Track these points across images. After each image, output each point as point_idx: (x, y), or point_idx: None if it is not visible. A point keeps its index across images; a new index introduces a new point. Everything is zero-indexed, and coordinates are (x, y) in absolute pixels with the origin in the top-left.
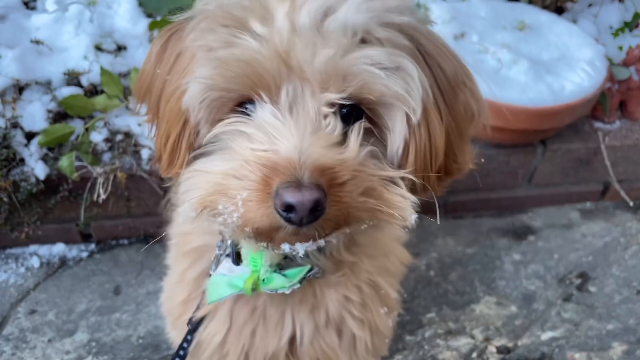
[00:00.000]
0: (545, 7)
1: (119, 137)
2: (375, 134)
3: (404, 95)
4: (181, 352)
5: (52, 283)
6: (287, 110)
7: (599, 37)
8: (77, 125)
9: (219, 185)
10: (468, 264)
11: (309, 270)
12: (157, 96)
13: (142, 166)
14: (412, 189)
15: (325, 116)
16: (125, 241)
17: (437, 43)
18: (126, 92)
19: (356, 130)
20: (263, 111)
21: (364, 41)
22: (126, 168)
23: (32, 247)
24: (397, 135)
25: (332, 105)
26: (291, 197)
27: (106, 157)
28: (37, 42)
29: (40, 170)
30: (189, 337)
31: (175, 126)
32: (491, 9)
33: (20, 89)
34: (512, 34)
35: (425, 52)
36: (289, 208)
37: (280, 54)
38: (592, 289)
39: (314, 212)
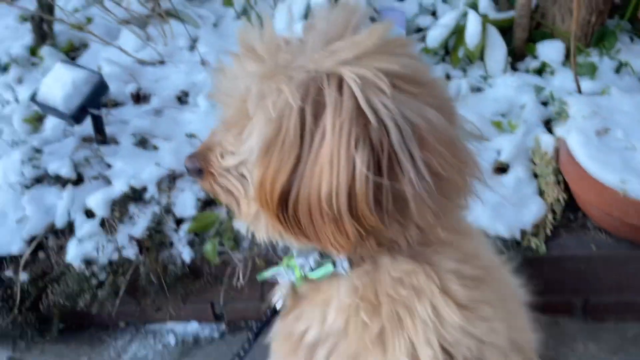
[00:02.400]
0: None
1: None
2: None
3: None
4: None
5: None
6: None
7: None
8: (221, 213)
9: None
10: None
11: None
12: None
13: (278, 252)
14: None
15: None
16: (254, 323)
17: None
18: None
19: None
20: None
21: None
22: (263, 254)
23: (170, 324)
24: None
25: None
26: None
27: (245, 243)
28: (191, 135)
29: (187, 254)
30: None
31: None
32: (635, 103)
33: (174, 178)
34: None
35: None
36: None
37: None
38: None
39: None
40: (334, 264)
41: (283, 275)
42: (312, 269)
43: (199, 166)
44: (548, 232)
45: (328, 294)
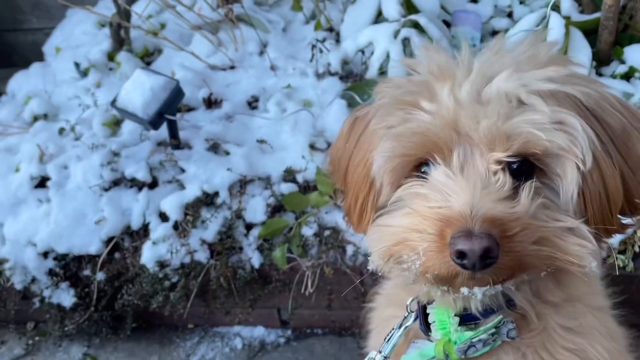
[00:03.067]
0: None
1: (327, 233)
2: (547, 185)
3: (570, 146)
4: None
5: None
6: (458, 170)
7: None
8: (290, 219)
9: (402, 238)
10: None
11: (502, 320)
12: (345, 166)
13: (346, 261)
14: (596, 235)
15: (495, 173)
16: (319, 331)
17: (600, 102)
18: (336, 190)
19: (527, 188)
20: (437, 172)
21: (522, 103)
22: (331, 262)
23: (236, 328)
24: (569, 184)
25: (500, 162)
26: (463, 244)
27: (313, 250)
28: (262, 141)
29: (256, 259)
30: None
31: (362, 190)
32: None
33: (245, 183)
34: None
35: (590, 109)
36: (461, 255)
37: (449, 123)
38: None
39: (484, 258)
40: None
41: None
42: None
43: (494, 234)
44: (637, 248)
45: None
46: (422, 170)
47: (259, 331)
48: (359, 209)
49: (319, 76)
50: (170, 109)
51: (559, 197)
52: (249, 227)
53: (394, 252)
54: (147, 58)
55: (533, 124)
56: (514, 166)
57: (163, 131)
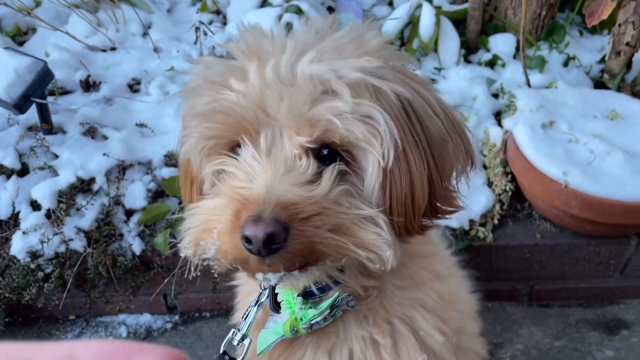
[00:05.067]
0: (634, 94)
1: None
2: (355, 172)
3: (370, 139)
4: None
5: None
6: (265, 152)
7: None
8: (173, 204)
9: (205, 222)
10: (557, 358)
11: (338, 297)
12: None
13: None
14: (398, 231)
15: (300, 157)
16: (207, 314)
17: (422, 104)
18: None
19: (329, 172)
20: (246, 153)
21: (332, 90)
22: None
23: (121, 317)
24: (370, 176)
25: (307, 148)
26: (249, 229)
27: None
28: (142, 125)
29: (137, 246)
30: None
31: (185, 176)
32: (580, 96)
33: (123, 169)
34: (604, 123)
35: (407, 109)
36: (247, 240)
37: (256, 103)
38: None
39: (269, 244)
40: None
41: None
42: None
43: (282, 219)
44: (495, 221)
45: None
46: (237, 153)
47: (145, 318)
48: (188, 194)
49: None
50: (38, 91)
51: (362, 184)
52: (129, 213)
53: (199, 239)
54: (19, 38)
55: (334, 112)
56: (325, 152)
57: (34, 115)
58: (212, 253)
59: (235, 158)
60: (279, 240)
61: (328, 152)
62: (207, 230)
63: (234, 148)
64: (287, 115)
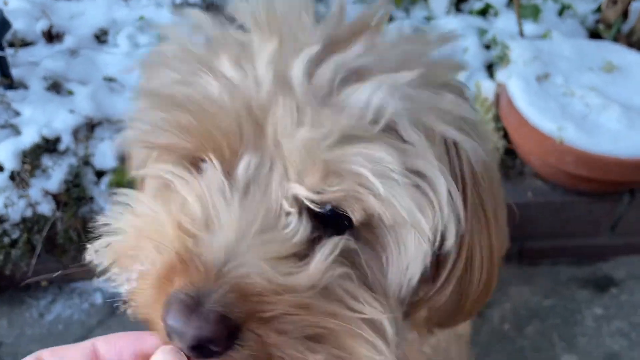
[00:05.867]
0: (630, 44)
1: None
2: (368, 250)
3: (417, 216)
4: None
5: (116, 320)
6: (241, 188)
7: None
8: None
9: (137, 237)
10: (546, 317)
11: None
12: None
13: None
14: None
15: (289, 213)
16: None
17: (488, 164)
18: None
19: (328, 247)
20: (213, 177)
21: (376, 120)
22: None
23: (98, 283)
24: (405, 260)
25: (299, 201)
26: (173, 318)
27: None
28: (111, 79)
29: (109, 208)
30: None
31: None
32: (575, 47)
33: (92, 126)
34: (599, 75)
35: (473, 171)
36: (170, 329)
37: (250, 109)
38: None
39: (200, 349)
40: None
41: None
42: None
43: (233, 318)
44: None
45: None
46: (199, 167)
47: None
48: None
49: (176, 7)
50: None
51: (383, 270)
52: (100, 174)
53: (122, 259)
54: None
55: (375, 165)
56: (327, 209)
57: None
58: (125, 288)
59: (193, 173)
60: (218, 347)
61: (332, 213)
62: (133, 254)
63: (195, 160)
64: (298, 147)
